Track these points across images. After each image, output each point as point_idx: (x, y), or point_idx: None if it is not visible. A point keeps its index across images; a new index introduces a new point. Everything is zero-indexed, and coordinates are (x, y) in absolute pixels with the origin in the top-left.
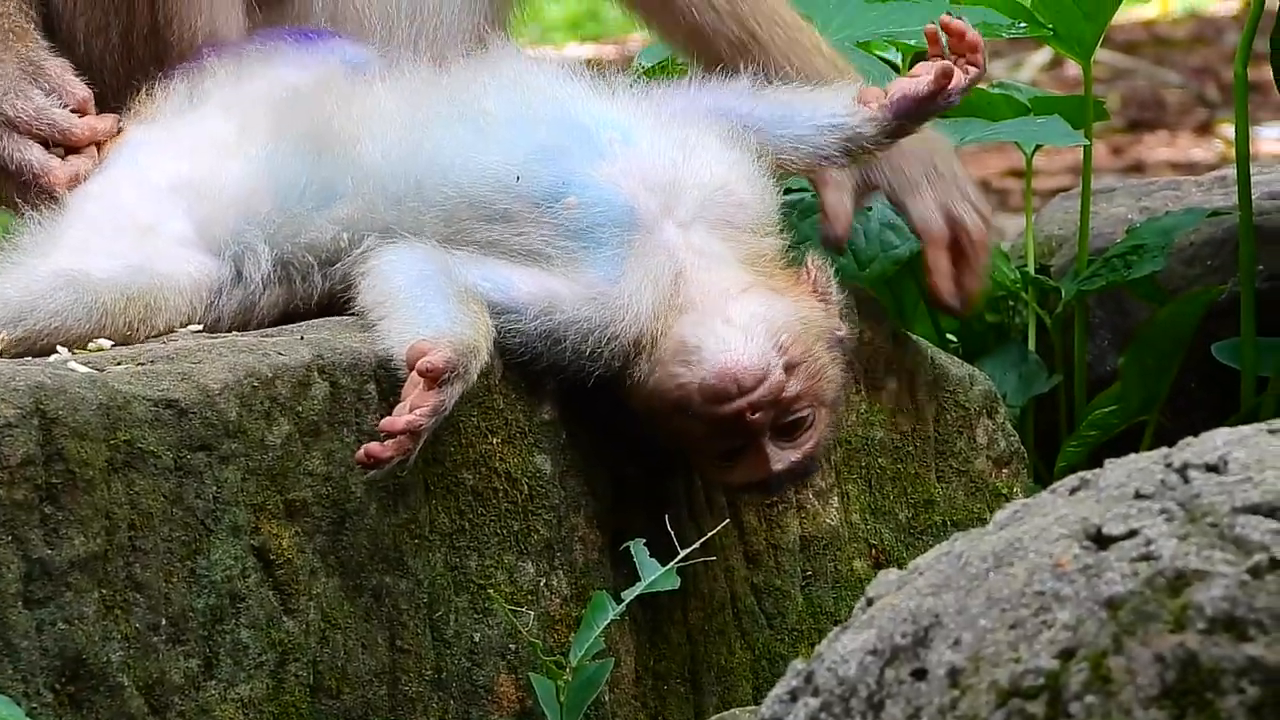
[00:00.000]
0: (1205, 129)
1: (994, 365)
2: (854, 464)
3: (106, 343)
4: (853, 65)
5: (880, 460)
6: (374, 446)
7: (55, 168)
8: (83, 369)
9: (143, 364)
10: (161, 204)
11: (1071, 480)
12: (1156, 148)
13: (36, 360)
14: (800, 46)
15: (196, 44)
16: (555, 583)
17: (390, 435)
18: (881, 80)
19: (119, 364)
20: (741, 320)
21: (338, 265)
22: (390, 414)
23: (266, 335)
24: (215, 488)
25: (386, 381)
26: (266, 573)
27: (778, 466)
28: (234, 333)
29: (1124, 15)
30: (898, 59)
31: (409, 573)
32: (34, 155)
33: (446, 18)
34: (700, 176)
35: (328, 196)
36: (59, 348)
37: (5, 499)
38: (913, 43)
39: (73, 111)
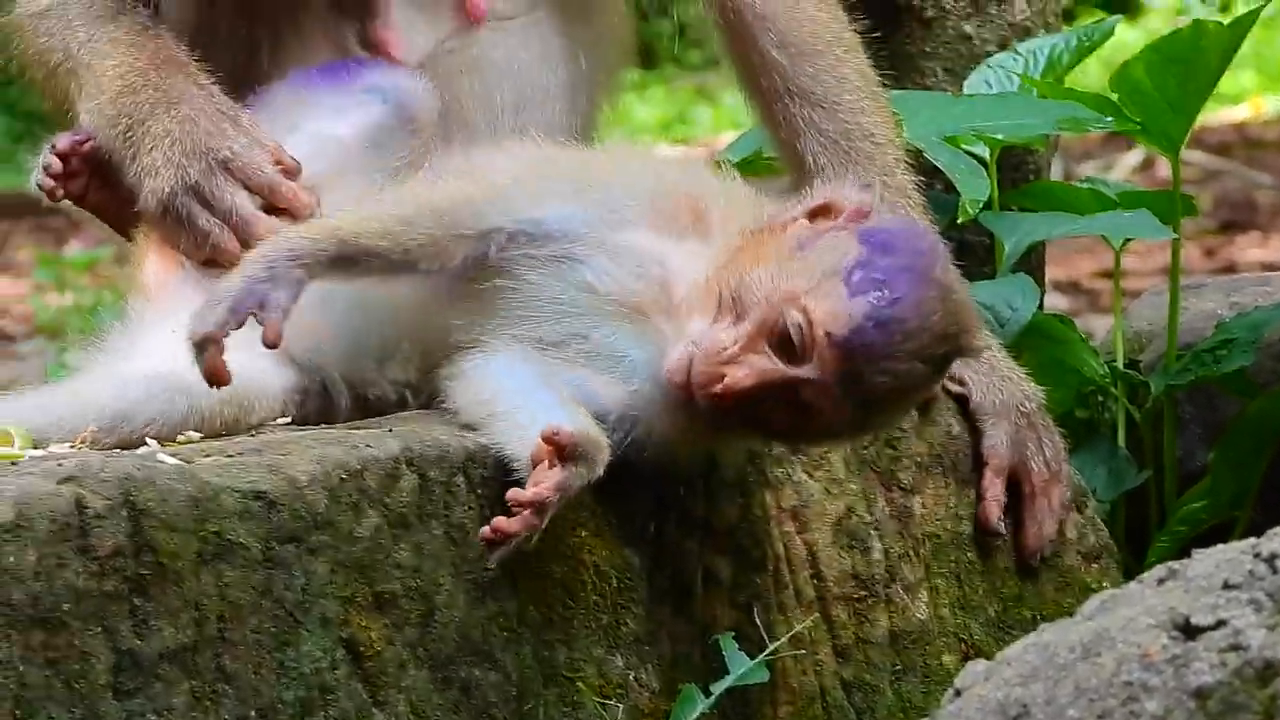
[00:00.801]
0: None
1: (1083, 460)
2: (943, 558)
3: (196, 434)
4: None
5: (969, 554)
6: (500, 521)
7: (261, 221)
8: (172, 460)
9: (231, 456)
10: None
11: (1159, 570)
12: (1248, 249)
13: (126, 451)
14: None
15: None
16: (644, 676)
17: (518, 507)
18: (970, 178)
19: (208, 455)
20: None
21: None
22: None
23: (354, 428)
24: (304, 579)
25: (476, 474)
26: (355, 665)
27: (814, 374)
28: (321, 425)
29: (1215, 117)
30: (985, 153)
31: (498, 665)
32: (242, 201)
33: (547, 114)
34: (675, 260)
35: (383, 356)
36: (148, 439)
37: (95, 590)
38: (1000, 137)
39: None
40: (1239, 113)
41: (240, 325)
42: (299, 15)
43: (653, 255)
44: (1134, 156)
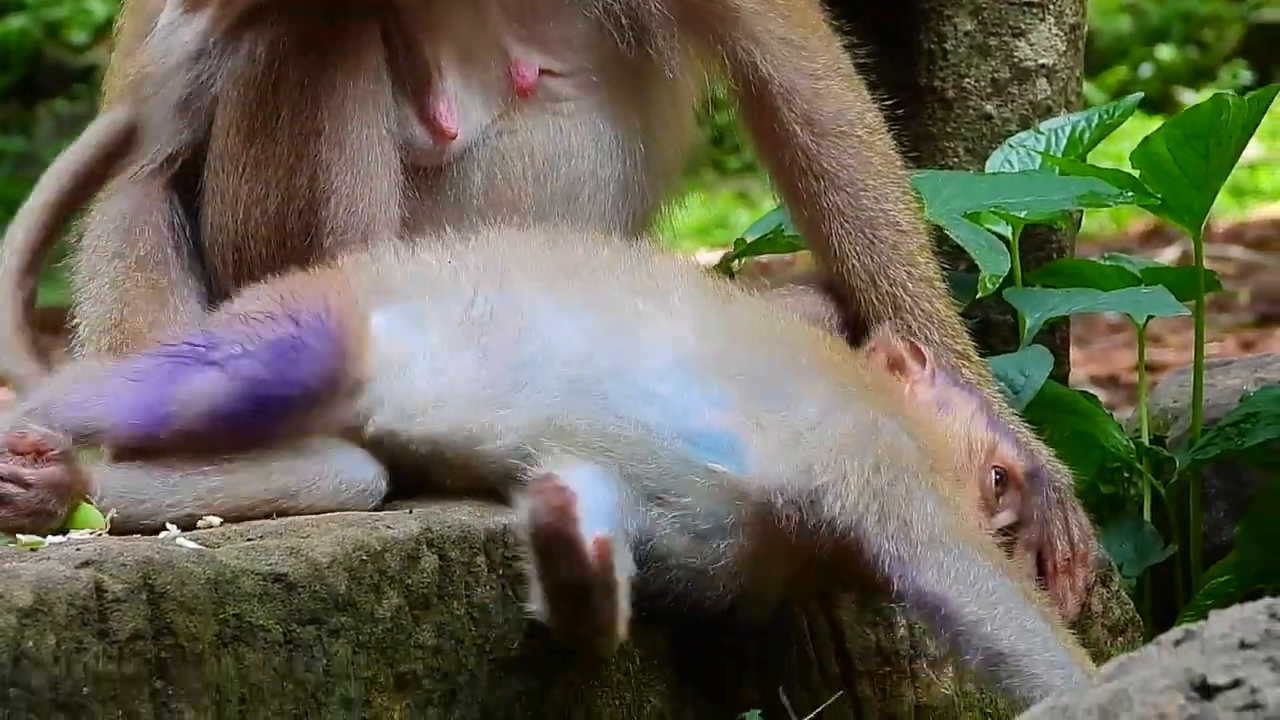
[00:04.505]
0: None
1: (1109, 535)
2: None
3: (215, 519)
4: (969, 340)
5: None
6: None
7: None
8: (191, 544)
9: (251, 539)
10: None
11: (1176, 632)
12: None
13: (145, 536)
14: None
15: (351, 222)
16: None
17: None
18: (990, 254)
19: (227, 539)
20: None
21: None
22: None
23: (375, 511)
24: (325, 661)
25: (497, 554)
26: None
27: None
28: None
29: (1255, 212)
30: (1007, 231)
31: None
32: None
33: (599, 206)
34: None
35: None
36: (168, 525)
37: (115, 674)
38: (1021, 214)
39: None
40: (1278, 208)
41: None
42: (360, 100)
43: None
44: (1173, 251)
